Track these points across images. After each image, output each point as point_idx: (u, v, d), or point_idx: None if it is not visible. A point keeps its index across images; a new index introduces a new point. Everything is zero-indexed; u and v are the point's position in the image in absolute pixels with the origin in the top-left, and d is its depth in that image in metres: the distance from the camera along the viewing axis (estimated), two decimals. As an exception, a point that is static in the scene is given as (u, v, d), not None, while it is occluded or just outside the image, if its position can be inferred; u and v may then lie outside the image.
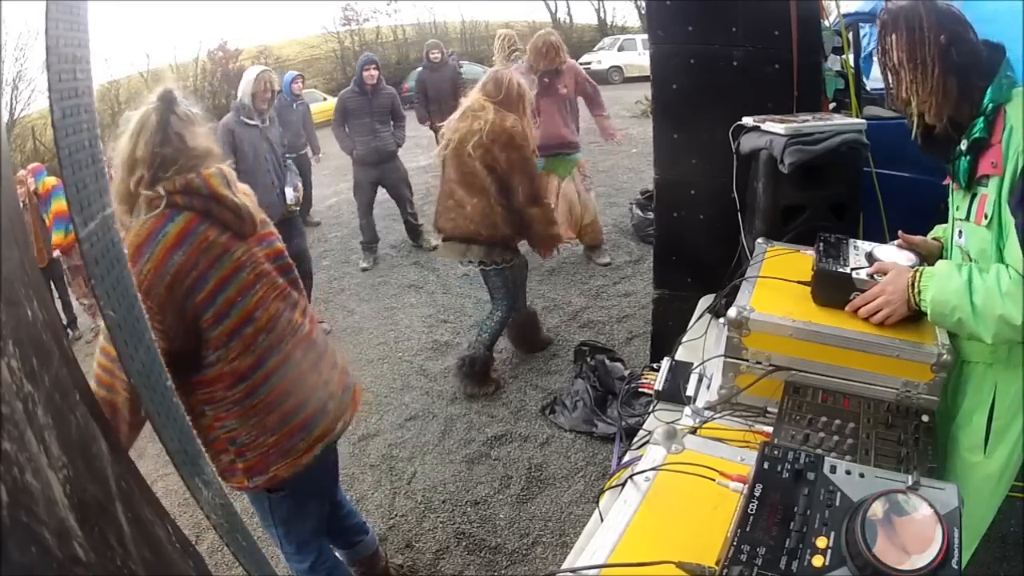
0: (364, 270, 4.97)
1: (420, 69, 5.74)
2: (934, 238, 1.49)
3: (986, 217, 1.18)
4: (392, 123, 4.86)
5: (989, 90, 1.17)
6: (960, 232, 1.29)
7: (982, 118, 1.17)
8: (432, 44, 5.62)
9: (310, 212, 6.35)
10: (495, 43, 4.72)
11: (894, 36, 1.22)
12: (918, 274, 1.23)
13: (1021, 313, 1.09)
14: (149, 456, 2.93)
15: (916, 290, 1.22)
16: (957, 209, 1.30)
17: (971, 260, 1.26)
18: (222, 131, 3.45)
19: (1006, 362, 1.25)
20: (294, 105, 5.74)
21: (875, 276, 1.31)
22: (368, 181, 4.89)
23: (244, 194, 1.48)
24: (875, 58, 1.40)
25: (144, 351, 0.61)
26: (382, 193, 5.04)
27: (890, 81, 1.26)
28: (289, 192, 3.64)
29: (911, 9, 1.20)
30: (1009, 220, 1.14)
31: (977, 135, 1.17)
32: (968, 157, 1.20)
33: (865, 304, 1.28)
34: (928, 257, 1.40)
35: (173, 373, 1.27)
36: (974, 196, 1.22)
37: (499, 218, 2.81)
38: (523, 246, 3.08)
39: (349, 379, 1.72)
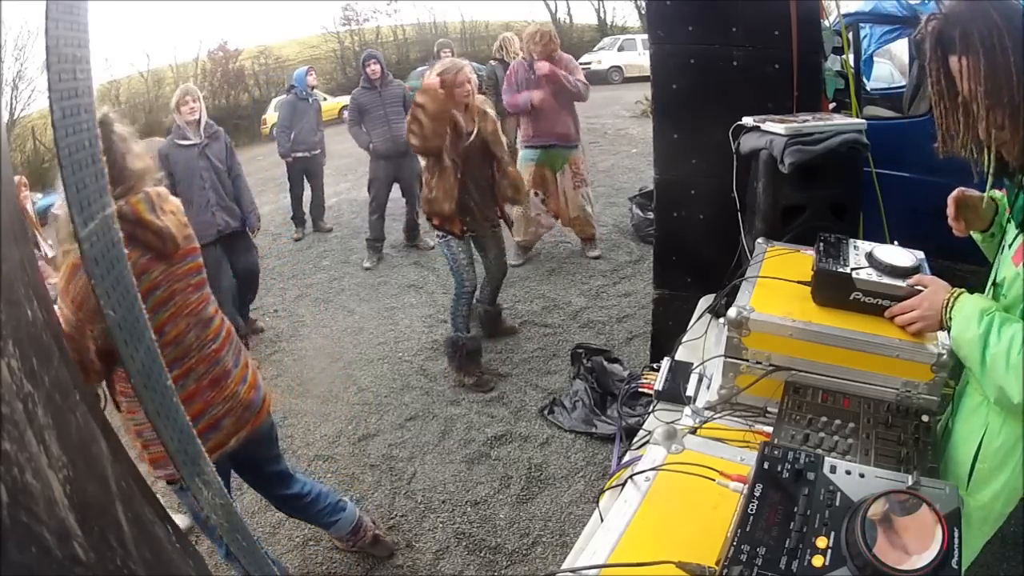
0: (367, 269, 4.97)
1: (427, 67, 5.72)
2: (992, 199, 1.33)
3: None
4: (405, 114, 4.87)
5: None
6: (1001, 249, 1.21)
7: None
8: (444, 43, 5.60)
9: (324, 217, 6.18)
10: (494, 45, 4.82)
11: (965, 60, 0.93)
12: (952, 299, 1.19)
13: (1020, 393, 1.00)
14: (149, 456, 2.93)
15: (948, 316, 1.19)
16: (1006, 232, 1.17)
17: (996, 289, 1.19)
18: (158, 157, 3.55)
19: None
20: (309, 100, 5.65)
21: (914, 287, 1.26)
22: (385, 176, 4.90)
23: (171, 212, 1.63)
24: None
25: (144, 351, 0.61)
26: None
27: (952, 116, 0.99)
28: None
29: (985, 21, 0.90)
30: None
31: None
32: None
33: (903, 313, 1.26)
34: (978, 219, 1.29)
35: (104, 367, 1.49)
36: (1021, 232, 1.11)
37: (423, 201, 3.07)
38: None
39: (257, 395, 1.82)
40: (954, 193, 1.28)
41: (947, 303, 1.19)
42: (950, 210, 1.29)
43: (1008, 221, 1.17)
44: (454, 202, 2.95)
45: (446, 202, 2.95)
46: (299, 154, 5.70)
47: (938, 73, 0.98)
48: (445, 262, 3.26)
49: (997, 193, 1.30)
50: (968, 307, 1.14)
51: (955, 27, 0.94)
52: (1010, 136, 0.96)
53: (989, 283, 1.27)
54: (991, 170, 1.07)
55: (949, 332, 1.19)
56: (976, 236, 1.35)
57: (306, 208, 6.13)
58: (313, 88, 5.74)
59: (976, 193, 1.29)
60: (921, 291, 1.25)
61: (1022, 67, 0.89)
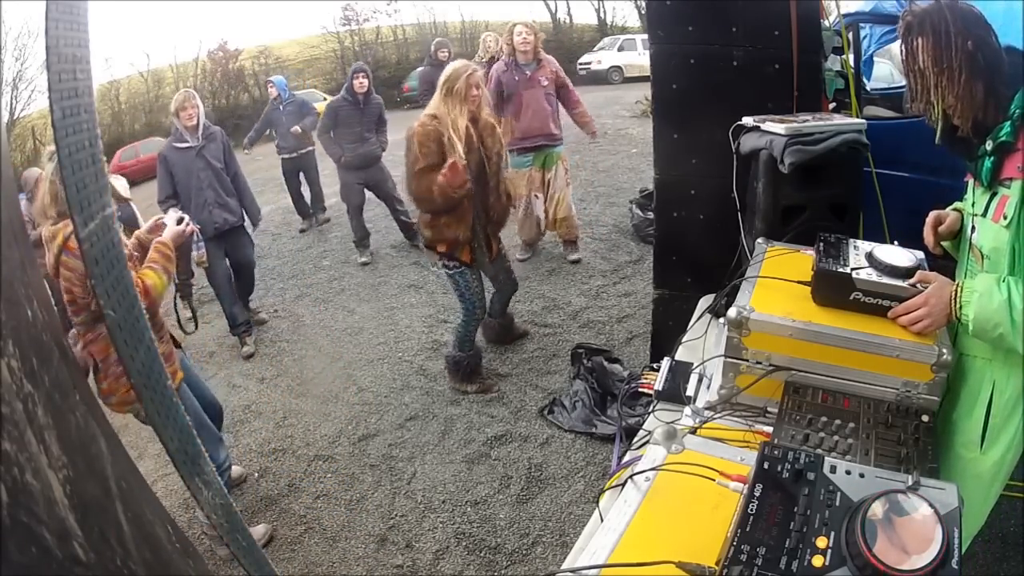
0: (364, 264, 5.00)
1: (424, 68, 5.69)
2: (955, 209, 1.50)
3: (1005, 217, 1.21)
4: (376, 130, 5.01)
5: (1017, 96, 1.19)
6: (973, 227, 1.31)
7: (1009, 122, 1.19)
8: (441, 43, 5.56)
9: (324, 210, 6.33)
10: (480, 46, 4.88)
11: (920, 40, 1.24)
12: (959, 289, 1.24)
13: None
14: (149, 456, 2.93)
15: (958, 305, 1.23)
16: (973, 205, 1.32)
17: (983, 256, 1.28)
18: (158, 159, 3.77)
19: (1004, 359, 1.26)
20: (280, 107, 5.81)
21: (917, 285, 1.30)
22: (356, 183, 5.01)
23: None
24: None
25: (144, 351, 0.61)
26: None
27: (914, 83, 1.28)
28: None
29: (937, 13, 1.22)
30: None
31: (1004, 138, 1.20)
32: (992, 158, 1.22)
33: (907, 313, 1.28)
34: (948, 233, 1.43)
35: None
36: (994, 194, 1.25)
37: (424, 224, 2.82)
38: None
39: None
40: (930, 220, 1.45)
41: (955, 294, 1.24)
42: (928, 238, 1.44)
43: (972, 204, 1.33)
44: (468, 227, 2.74)
45: (459, 229, 2.73)
46: (284, 156, 5.95)
47: (906, 51, 1.28)
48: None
49: (960, 204, 1.46)
50: (981, 284, 1.22)
51: (918, 17, 1.25)
52: (953, 100, 1.23)
53: (964, 262, 1.38)
54: (941, 132, 1.30)
55: (961, 321, 1.23)
56: (946, 244, 1.47)
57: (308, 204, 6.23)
58: (278, 97, 5.82)
59: (949, 214, 1.44)
60: (922, 290, 1.28)
61: (960, 45, 1.20)
